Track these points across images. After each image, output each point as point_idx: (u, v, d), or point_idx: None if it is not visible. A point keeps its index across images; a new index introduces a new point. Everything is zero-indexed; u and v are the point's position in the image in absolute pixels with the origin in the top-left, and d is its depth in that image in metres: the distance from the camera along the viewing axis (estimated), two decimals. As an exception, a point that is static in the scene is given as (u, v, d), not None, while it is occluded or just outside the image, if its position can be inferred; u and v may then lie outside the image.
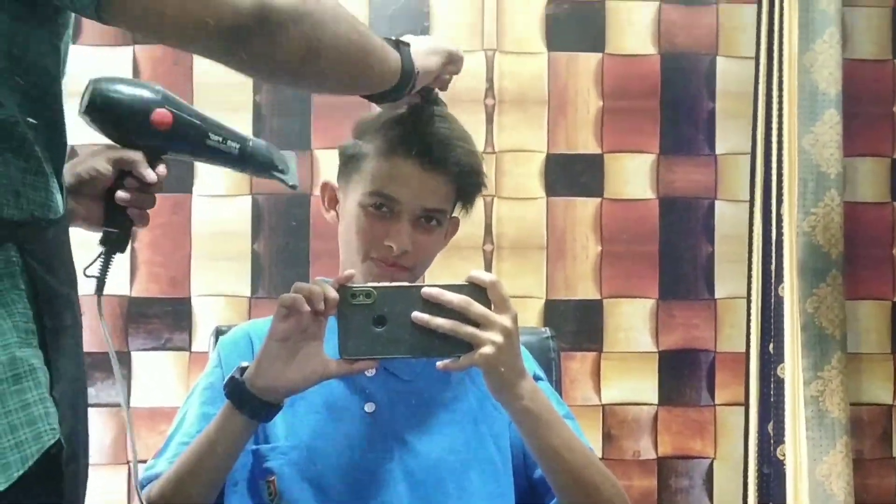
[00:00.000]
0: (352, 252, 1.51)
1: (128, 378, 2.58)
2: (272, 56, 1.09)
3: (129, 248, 1.31)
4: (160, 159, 1.24)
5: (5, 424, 0.92)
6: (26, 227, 0.96)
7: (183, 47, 1.14)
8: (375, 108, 1.53)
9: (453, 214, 1.59)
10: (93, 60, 2.56)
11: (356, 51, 1.20)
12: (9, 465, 0.91)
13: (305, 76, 1.17)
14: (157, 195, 1.25)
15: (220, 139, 1.28)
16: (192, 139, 1.27)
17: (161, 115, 1.22)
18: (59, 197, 1.01)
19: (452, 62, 1.46)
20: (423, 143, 1.47)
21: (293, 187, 1.38)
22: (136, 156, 1.22)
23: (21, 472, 0.92)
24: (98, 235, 1.26)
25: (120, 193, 1.21)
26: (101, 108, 1.21)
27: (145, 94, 1.23)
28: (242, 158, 1.31)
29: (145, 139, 1.23)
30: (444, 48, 1.45)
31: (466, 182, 1.53)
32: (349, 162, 1.54)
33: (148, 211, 1.25)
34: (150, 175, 1.21)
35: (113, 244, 1.25)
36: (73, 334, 1.02)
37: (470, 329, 1.31)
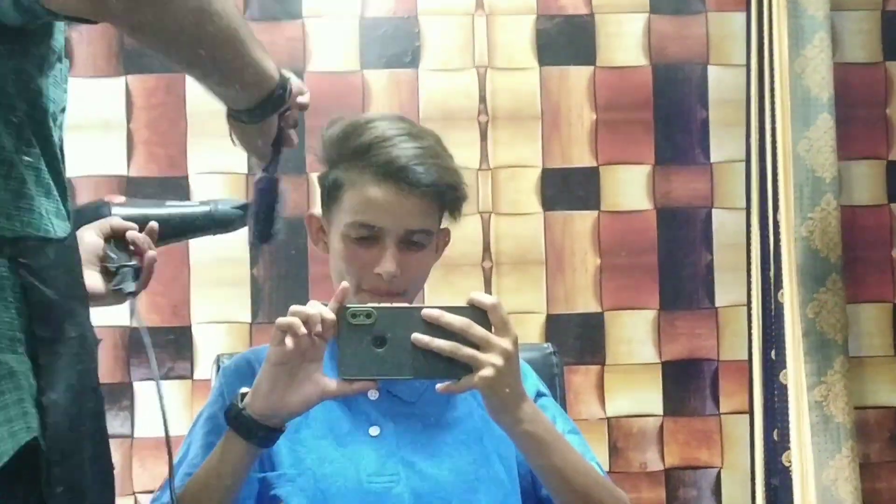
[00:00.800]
0: (342, 279, 1.50)
1: (131, 409, 2.57)
2: (163, 18, 1.02)
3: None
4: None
5: None
6: (21, 243, 0.99)
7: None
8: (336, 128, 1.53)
9: (443, 226, 1.58)
10: (86, 92, 2.57)
11: (243, 33, 1.13)
12: None
13: (199, 42, 1.09)
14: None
15: (181, 199, 1.54)
16: (149, 203, 1.49)
17: (112, 196, 1.46)
18: (57, 220, 1.03)
19: (302, 93, 1.40)
20: (396, 167, 1.47)
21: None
22: (113, 218, 1.41)
23: None
24: None
25: (131, 233, 1.38)
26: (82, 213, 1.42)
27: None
28: (211, 215, 1.47)
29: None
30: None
31: (447, 198, 1.53)
32: (329, 193, 1.54)
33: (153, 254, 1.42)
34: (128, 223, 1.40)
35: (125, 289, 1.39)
36: (77, 346, 1.03)
37: (470, 351, 1.31)
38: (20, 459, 0.95)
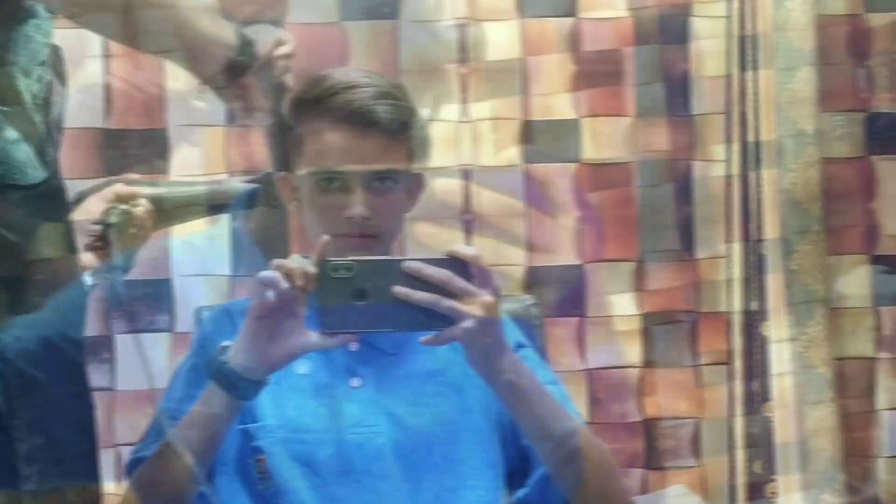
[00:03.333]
0: (318, 236, 1.50)
1: (111, 362, 2.57)
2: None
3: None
4: None
5: None
6: None
7: None
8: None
9: (415, 172, 1.58)
10: (60, 34, 2.53)
11: (183, 16, 1.20)
12: None
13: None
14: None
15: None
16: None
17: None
18: (27, 168, 1.02)
19: (281, 44, 1.46)
20: (352, 109, 1.47)
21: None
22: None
23: None
24: None
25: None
26: None
27: None
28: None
29: None
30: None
31: (407, 135, 1.52)
32: (292, 150, 1.54)
33: None
34: None
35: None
36: (45, 284, 1.03)
37: (451, 303, 1.31)
38: None
